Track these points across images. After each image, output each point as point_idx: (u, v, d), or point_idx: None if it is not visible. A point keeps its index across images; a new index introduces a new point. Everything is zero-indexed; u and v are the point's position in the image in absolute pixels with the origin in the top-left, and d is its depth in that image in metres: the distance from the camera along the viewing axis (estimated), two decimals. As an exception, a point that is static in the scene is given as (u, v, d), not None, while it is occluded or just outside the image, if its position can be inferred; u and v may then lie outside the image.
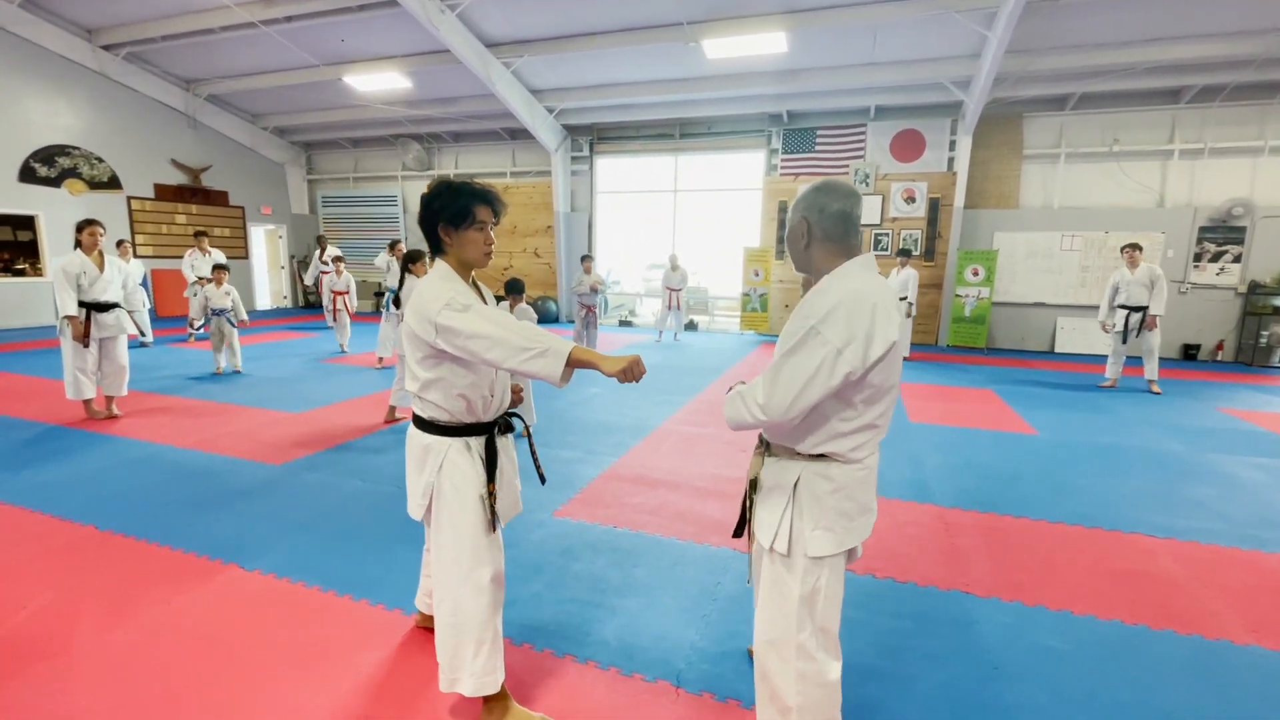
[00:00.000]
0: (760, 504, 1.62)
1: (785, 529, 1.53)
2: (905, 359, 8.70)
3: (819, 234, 1.52)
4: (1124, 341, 6.87)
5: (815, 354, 1.38)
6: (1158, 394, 6.72)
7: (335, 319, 8.64)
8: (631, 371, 1.50)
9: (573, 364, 1.50)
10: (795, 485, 1.53)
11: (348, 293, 8.59)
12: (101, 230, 4.90)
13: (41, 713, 1.83)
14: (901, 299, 8.72)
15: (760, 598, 1.62)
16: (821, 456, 1.51)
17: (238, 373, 6.93)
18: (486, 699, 1.79)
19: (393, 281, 7.31)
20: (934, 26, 7.99)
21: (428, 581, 2.18)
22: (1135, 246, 6.75)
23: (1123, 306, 6.86)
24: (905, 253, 8.96)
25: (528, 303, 5.37)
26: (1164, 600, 2.57)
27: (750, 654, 2.09)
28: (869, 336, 1.37)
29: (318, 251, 10.16)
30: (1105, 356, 7.28)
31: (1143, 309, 6.72)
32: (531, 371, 1.51)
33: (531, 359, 1.50)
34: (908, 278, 8.65)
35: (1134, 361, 7.28)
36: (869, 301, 1.39)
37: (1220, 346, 9.23)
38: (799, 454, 1.53)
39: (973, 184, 10.01)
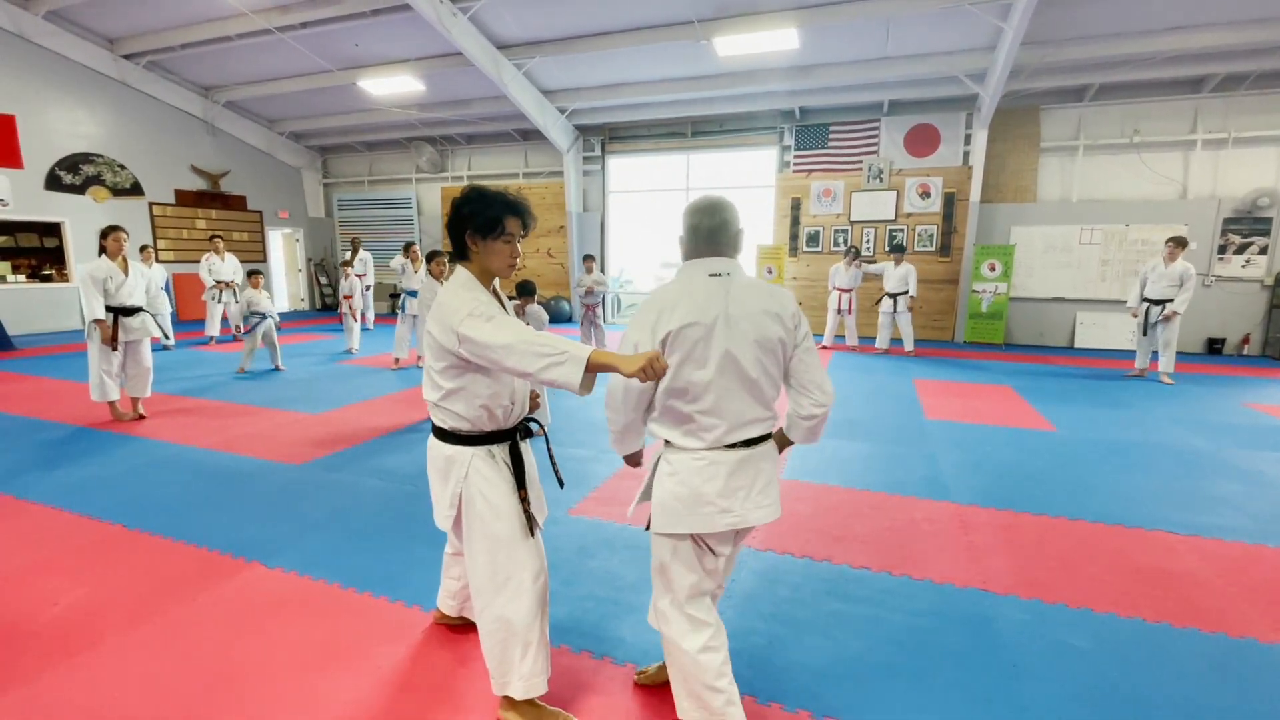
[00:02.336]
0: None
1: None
2: (911, 354, 8.78)
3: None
4: (1144, 334, 6.95)
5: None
6: (1169, 384, 6.78)
7: (356, 319, 8.82)
8: (651, 369, 1.43)
9: (592, 368, 1.47)
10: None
11: (351, 297, 8.82)
12: (125, 236, 5.01)
13: (73, 705, 1.89)
14: (903, 293, 8.74)
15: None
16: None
17: (278, 370, 7.23)
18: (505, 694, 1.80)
19: (408, 283, 7.41)
20: (948, 19, 7.89)
21: (450, 583, 2.20)
22: (1179, 243, 6.70)
23: (1146, 299, 6.93)
24: (898, 248, 9.12)
25: (540, 303, 5.42)
26: (1186, 598, 2.53)
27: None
28: None
29: (349, 252, 10.40)
30: (1126, 351, 7.33)
31: (1163, 303, 6.76)
32: (551, 379, 1.49)
33: (550, 366, 1.49)
34: (905, 273, 8.75)
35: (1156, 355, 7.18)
36: None
37: (1246, 340, 9.03)
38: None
39: (989, 178, 9.87)
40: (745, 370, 1.59)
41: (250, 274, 7.46)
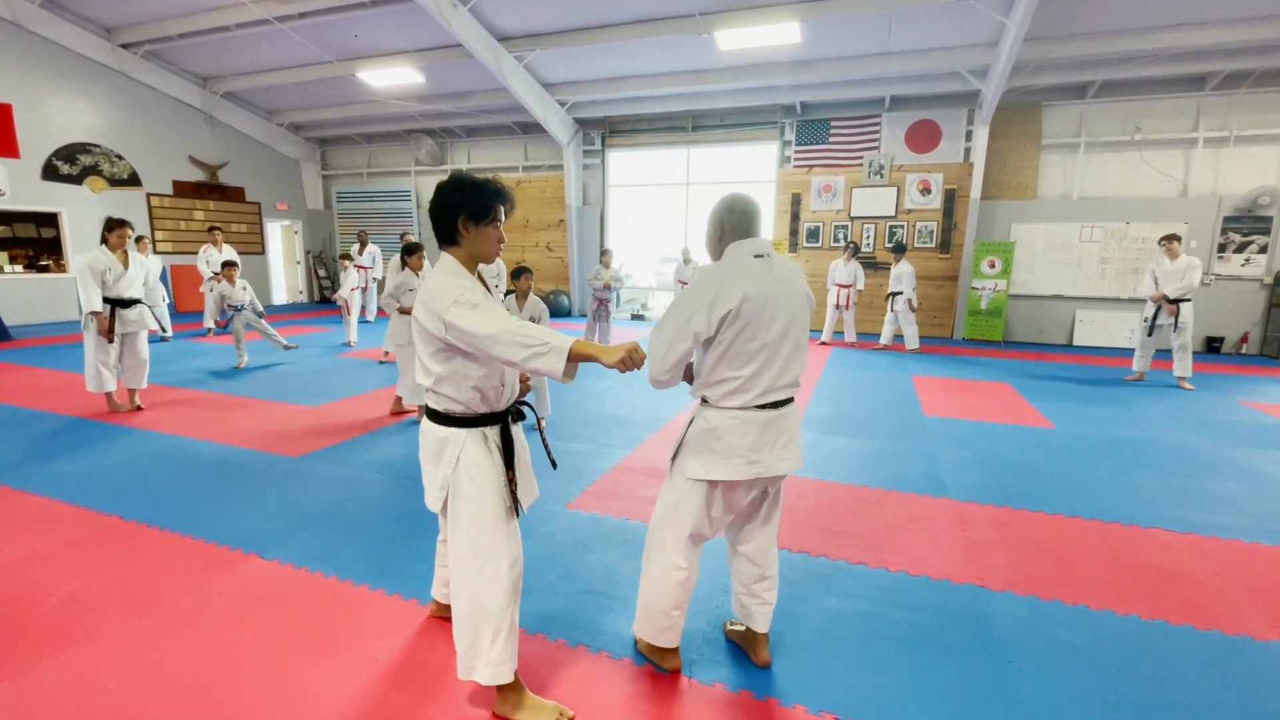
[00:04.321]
0: None
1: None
2: (918, 351, 8.77)
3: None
4: (1150, 334, 6.71)
5: None
6: (1189, 390, 6.48)
7: (353, 312, 8.80)
8: (630, 360, 1.54)
9: (574, 358, 1.54)
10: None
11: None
12: (130, 232, 4.95)
13: (70, 696, 1.88)
14: (896, 293, 8.75)
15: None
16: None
17: (239, 369, 6.89)
18: (501, 687, 1.81)
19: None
20: (951, 15, 7.86)
21: (444, 571, 2.21)
22: (1174, 238, 6.54)
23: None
24: (897, 248, 9.03)
25: (539, 296, 5.36)
26: (1183, 595, 2.54)
27: (726, 631, 2.25)
28: None
29: (357, 246, 10.38)
30: (1125, 349, 7.11)
31: (1174, 301, 6.57)
32: (535, 368, 1.55)
33: (534, 356, 1.54)
34: (900, 272, 8.75)
35: (1162, 355, 7.05)
36: None
37: (1245, 339, 9.04)
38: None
39: (990, 175, 9.85)
40: (797, 339, 1.85)
41: (225, 265, 7.09)
